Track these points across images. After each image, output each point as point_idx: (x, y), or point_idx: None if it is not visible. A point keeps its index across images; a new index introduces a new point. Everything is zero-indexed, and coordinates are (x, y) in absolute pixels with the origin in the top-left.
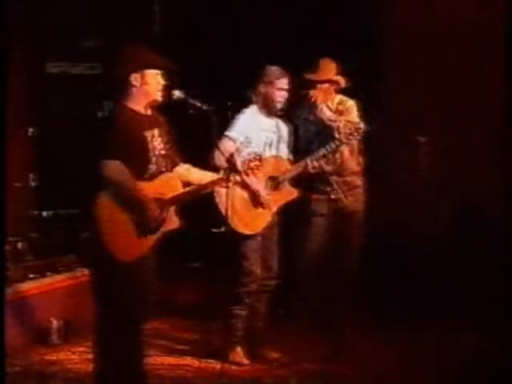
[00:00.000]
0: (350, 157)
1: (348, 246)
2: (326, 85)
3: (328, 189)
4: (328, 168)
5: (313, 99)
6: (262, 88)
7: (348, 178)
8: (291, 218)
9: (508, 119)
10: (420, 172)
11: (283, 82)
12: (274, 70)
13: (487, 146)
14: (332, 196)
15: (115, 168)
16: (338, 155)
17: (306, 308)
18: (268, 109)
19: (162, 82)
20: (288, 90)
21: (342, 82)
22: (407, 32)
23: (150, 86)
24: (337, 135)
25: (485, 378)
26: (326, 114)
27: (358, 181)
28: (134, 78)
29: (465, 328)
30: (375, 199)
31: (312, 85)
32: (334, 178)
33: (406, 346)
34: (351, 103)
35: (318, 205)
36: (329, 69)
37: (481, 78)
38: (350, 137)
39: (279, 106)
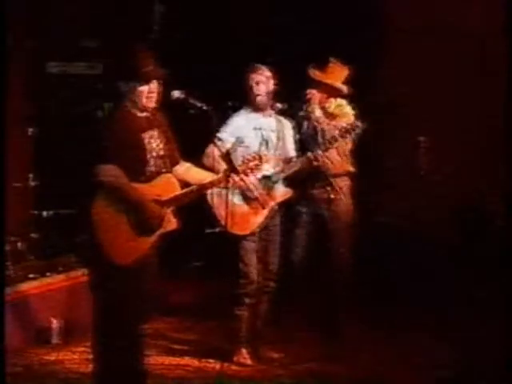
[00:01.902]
0: (339, 158)
1: (336, 246)
2: (328, 88)
3: (328, 188)
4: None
5: (308, 97)
6: (246, 87)
7: (335, 179)
8: (290, 218)
9: (509, 119)
10: (420, 172)
11: (251, 77)
12: (250, 66)
13: (488, 146)
14: (332, 196)
15: (110, 172)
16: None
17: (303, 307)
18: (253, 105)
19: (156, 90)
20: (265, 83)
21: (345, 90)
22: (408, 34)
23: (142, 94)
24: (320, 138)
25: (485, 378)
26: (316, 114)
27: (343, 182)
28: (127, 86)
29: (464, 328)
30: (375, 199)
31: (314, 83)
32: (321, 179)
33: (404, 346)
34: (349, 109)
35: (317, 204)
36: (336, 74)
37: (481, 78)
38: (346, 134)
39: (259, 99)
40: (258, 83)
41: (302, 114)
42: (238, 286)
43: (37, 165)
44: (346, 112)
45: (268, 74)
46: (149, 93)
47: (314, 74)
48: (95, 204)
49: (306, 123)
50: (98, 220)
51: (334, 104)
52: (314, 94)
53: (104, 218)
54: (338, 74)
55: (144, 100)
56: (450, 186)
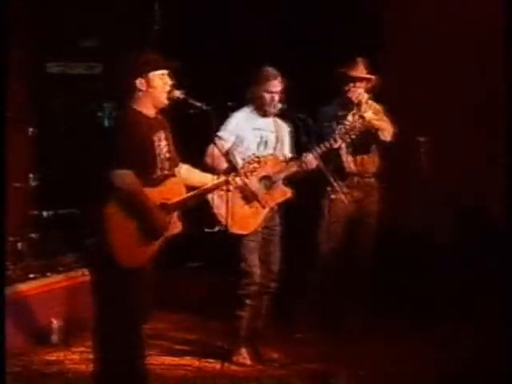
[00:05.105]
0: (368, 158)
1: (360, 247)
2: (363, 83)
3: (328, 188)
4: (352, 168)
5: (354, 97)
6: (254, 89)
7: (366, 179)
8: (293, 218)
9: (509, 118)
10: (420, 172)
11: (273, 85)
12: (265, 71)
13: (489, 146)
14: (332, 196)
15: (126, 178)
16: (359, 156)
17: (316, 307)
18: (260, 110)
19: (169, 82)
20: (279, 92)
21: (373, 80)
22: (408, 32)
23: (156, 90)
24: (382, 137)
25: (484, 378)
26: (370, 115)
27: (375, 182)
28: (140, 83)
29: (465, 328)
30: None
31: (350, 82)
32: (355, 179)
33: (407, 346)
34: (379, 106)
35: (318, 204)
36: (365, 67)
37: (482, 78)
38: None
39: (270, 108)
40: (272, 92)
41: (350, 117)
42: (239, 286)
43: (37, 165)
44: (379, 108)
45: (282, 84)
46: (164, 86)
47: (351, 71)
48: (108, 207)
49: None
50: (109, 223)
51: (365, 101)
52: (361, 94)
53: (115, 221)
54: (366, 67)
55: (165, 91)
56: (450, 187)
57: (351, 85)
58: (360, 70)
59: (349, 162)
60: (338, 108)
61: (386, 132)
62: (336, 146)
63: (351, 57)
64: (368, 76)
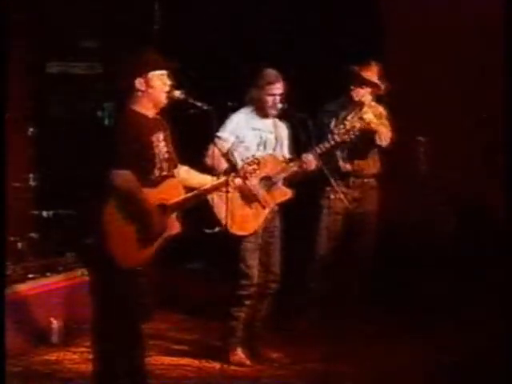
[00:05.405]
0: (367, 159)
1: (360, 246)
2: (370, 87)
3: (327, 188)
4: (348, 168)
5: (357, 97)
6: (254, 91)
7: (365, 180)
8: (293, 218)
9: (509, 118)
10: (420, 172)
11: (275, 88)
12: (267, 74)
13: (489, 146)
14: (331, 196)
15: (125, 178)
16: (354, 157)
17: (316, 307)
18: (259, 112)
19: (168, 82)
20: (280, 95)
21: (382, 87)
22: (407, 32)
23: (155, 89)
24: (378, 141)
25: (485, 378)
26: (369, 116)
27: (374, 182)
28: (139, 83)
29: (465, 328)
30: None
31: (358, 82)
32: (351, 179)
33: (407, 346)
34: (382, 110)
35: (319, 203)
36: (378, 71)
37: (482, 78)
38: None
39: (271, 110)
40: (274, 95)
41: (351, 116)
42: (239, 286)
43: (37, 165)
44: (382, 112)
45: (284, 86)
46: (163, 86)
47: (363, 72)
48: (107, 208)
49: (347, 126)
50: (108, 223)
51: (370, 104)
52: (365, 95)
53: (114, 223)
54: (378, 71)
55: (164, 91)
56: (450, 187)
57: (358, 86)
58: (372, 73)
59: (344, 161)
60: (340, 107)
61: (383, 136)
62: (335, 143)
63: (353, 56)
64: (377, 81)
